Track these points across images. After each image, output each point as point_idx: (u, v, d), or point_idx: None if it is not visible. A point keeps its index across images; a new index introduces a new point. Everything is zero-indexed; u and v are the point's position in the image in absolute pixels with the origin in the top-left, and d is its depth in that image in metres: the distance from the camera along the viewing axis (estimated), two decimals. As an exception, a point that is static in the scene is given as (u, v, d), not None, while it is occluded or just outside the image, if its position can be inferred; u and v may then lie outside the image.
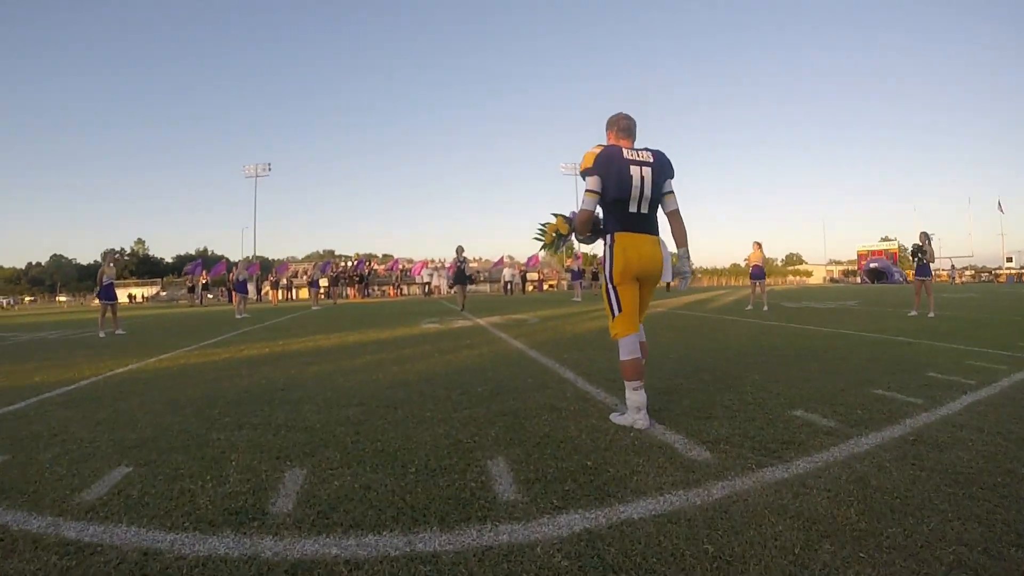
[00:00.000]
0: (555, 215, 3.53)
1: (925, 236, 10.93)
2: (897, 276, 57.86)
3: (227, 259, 43.08)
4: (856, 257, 74.01)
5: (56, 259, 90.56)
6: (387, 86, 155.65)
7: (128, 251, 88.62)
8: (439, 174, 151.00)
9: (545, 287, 37.86)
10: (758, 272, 13.23)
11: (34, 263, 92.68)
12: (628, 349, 2.85)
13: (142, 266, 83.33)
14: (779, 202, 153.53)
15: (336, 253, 79.00)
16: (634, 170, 2.82)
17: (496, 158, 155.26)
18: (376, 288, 37.50)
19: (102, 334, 10.19)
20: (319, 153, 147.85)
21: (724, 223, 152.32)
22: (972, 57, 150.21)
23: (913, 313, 10.28)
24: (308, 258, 70.98)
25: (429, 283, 33.93)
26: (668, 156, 2.96)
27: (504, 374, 4.32)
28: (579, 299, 19.00)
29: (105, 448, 2.69)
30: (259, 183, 46.86)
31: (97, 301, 11.06)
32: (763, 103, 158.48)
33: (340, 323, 11.18)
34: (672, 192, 2.95)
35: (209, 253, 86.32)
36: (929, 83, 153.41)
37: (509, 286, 31.25)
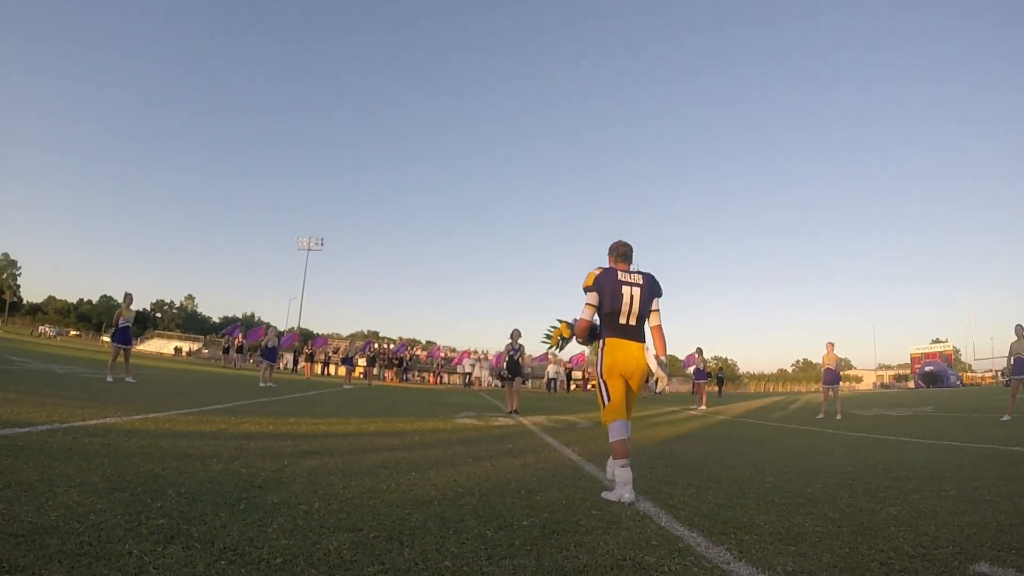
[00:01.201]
0: (560, 321, 4.11)
1: (1022, 328, 9.89)
2: (953, 379, 53.38)
3: (269, 325, 43.59)
4: (909, 360, 68.88)
5: (106, 300, 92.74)
6: (447, 179, 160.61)
7: (177, 305, 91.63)
8: (489, 268, 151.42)
9: (588, 386, 36.43)
10: (832, 377, 11.84)
11: (85, 300, 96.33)
12: (617, 432, 3.32)
13: (189, 321, 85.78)
14: (826, 305, 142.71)
15: (380, 334, 79.41)
16: (626, 290, 3.42)
17: (543, 258, 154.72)
18: (416, 374, 36.81)
19: (110, 378, 9.59)
20: (372, 234, 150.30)
21: (769, 328, 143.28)
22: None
23: (1006, 418, 9.33)
24: (352, 336, 71.19)
25: (470, 374, 33.03)
26: (657, 278, 3.59)
27: (557, 499, 3.11)
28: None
29: (-14, 531, 1.90)
30: (311, 256, 48.36)
31: (110, 342, 10.56)
32: (807, 203, 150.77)
33: (366, 405, 10.11)
34: (658, 310, 3.57)
35: (255, 319, 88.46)
36: (983, 175, 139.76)
37: (553, 383, 30.29)
